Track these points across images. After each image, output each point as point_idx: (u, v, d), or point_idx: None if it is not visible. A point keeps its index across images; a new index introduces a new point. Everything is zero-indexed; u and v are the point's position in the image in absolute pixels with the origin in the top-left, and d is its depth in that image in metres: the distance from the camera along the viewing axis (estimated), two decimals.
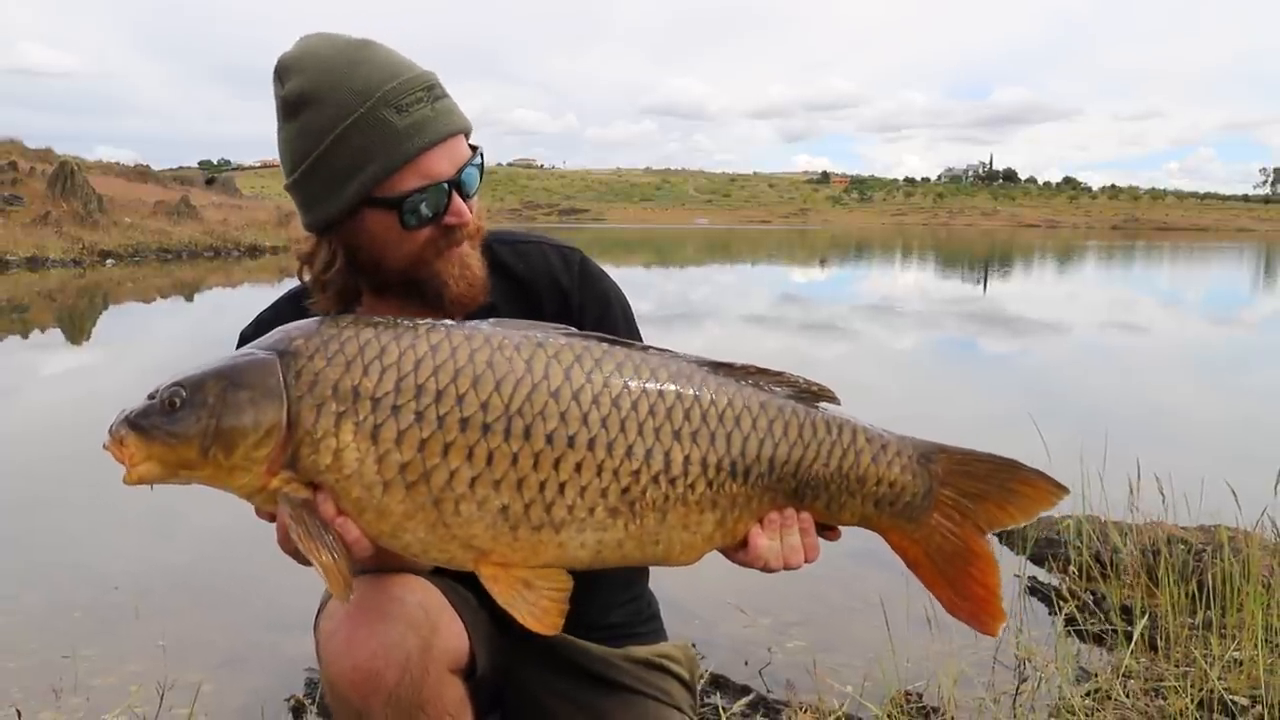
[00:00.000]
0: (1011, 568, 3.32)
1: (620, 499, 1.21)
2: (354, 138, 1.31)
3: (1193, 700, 2.26)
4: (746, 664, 2.85)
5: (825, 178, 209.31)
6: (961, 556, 1.36)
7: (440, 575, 1.40)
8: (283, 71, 1.37)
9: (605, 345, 1.27)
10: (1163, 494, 3.32)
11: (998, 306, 16.21)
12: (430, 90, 1.36)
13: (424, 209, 1.35)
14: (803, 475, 1.30)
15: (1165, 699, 2.33)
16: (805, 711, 2.39)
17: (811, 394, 1.34)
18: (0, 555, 3.85)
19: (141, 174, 40.38)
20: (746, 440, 1.27)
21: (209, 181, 46.74)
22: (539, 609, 1.20)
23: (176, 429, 1.15)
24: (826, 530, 1.37)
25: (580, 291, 1.60)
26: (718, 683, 2.67)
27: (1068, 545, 3.45)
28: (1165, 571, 2.87)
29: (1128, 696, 2.35)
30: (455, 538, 1.18)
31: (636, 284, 18.11)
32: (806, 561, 1.32)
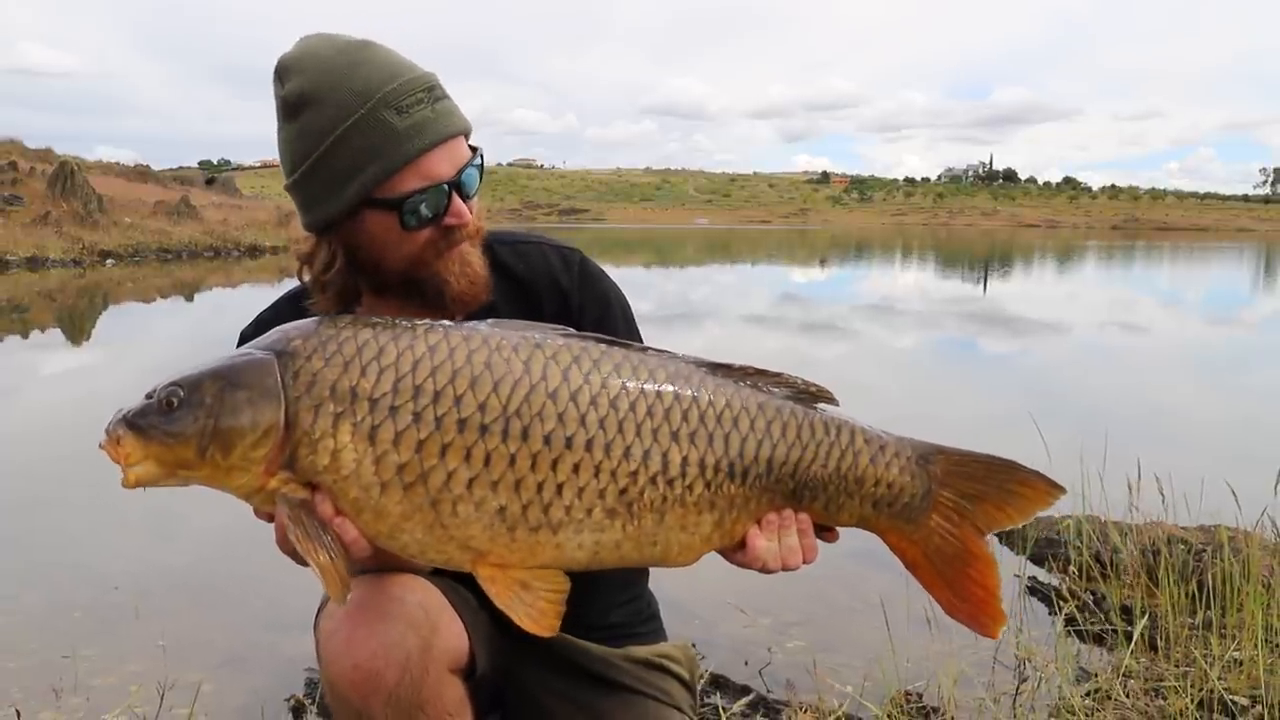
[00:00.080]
0: (1011, 568, 3.32)
1: (618, 500, 1.21)
2: (354, 139, 1.31)
3: (1193, 700, 2.26)
4: (746, 664, 2.85)
5: (825, 178, 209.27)
6: (960, 558, 1.36)
7: (440, 575, 1.40)
8: (283, 72, 1.37)
9: (603, 346, 1.26)
10: (1163, 494, 3.31)
11: (998, 306, 16.21)
12: (430, 91, 1.36)
13: (424, 210, 1.35)
14: (801, 476, 1.30)
15: (1165, 699, 2.33)
16: (805, 711, 2.39)
17: (810, 395, 1.34)
18: (0, 555, 3.85)
19: (141, 174, 40.39)
20: (745, 441, 1.26)
21: (209, 181, 46.75)
22: (536, 610, 1.20)
23: (174, 429, 1.15)
24: (825, 531, 1.36)
25: (580, 292, 1.60)
26: (718, 683, 2.67)
27: (1068, 545, 3.45)
28: (1165, 571, 2.87)
29: (1128, 696, 2.35)
30: (453, 539, 1.18)
31: (636, 284, 18.12)
32: (805, 563, 1.32)
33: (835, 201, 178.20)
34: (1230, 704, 2.25)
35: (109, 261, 22.43)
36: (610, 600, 1.67)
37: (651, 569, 1.64)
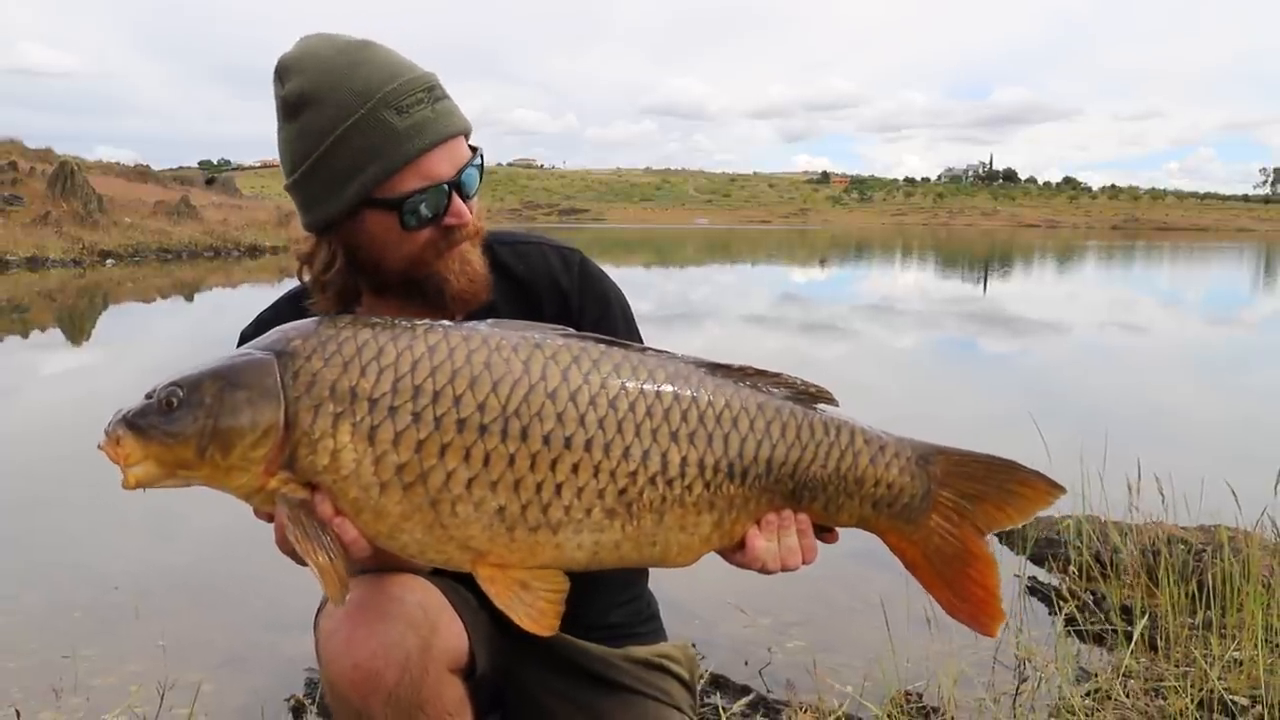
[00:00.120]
0: (1011, 568, 3.32)
1: (617, 500, 1.21)
2: (354, 139, 1.32)
3: (1193, 700, 2.26)
4: (746, 664, 2.85)
5: (825, 178, 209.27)
6: (960, 558, 1.36)
7: (440, 575, 1.40)
8: (283, 72, 1.37)
9: (602, 346, 1.26)
10: (1163, 494, 3.31)
11: (997, 306, 16.21)
12: (430, 91, 1.36)
13: (424, 210, 1.35)
14: (800, 477, 1.30)
15: (1165, 699, 2.33)
16: (805, 711, 2.39)
17: (809, 395, 1.34)
18: (0, 555, 3.85)
19: (141, 174, 40.39)
20: (744, 441, 1.26)
21: (209, 181, 46.74)
22: (535, 610, 1.20)
23: (173, 429, 1.15)
24: (824, 532, 1.36)
25: (580, 292, 1.60)
26: (718, 683, 2.67)
27: (1068, 545, 3.44)
28: (1165, 571, 2.87)
29: (1128, 696, 2.35)
30: (452, 539, 1.18)
31: (636, 284, 18.12)
32: (804, 563, 1.32)
33: (835, 201, 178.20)
34: (1230, 704, 2.25)
35: (109, 261, 22.43)
36: (610, 600, 1.67)
37: (651, 569, 1.64)
